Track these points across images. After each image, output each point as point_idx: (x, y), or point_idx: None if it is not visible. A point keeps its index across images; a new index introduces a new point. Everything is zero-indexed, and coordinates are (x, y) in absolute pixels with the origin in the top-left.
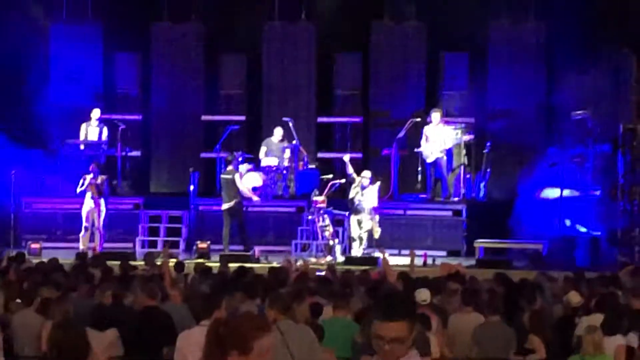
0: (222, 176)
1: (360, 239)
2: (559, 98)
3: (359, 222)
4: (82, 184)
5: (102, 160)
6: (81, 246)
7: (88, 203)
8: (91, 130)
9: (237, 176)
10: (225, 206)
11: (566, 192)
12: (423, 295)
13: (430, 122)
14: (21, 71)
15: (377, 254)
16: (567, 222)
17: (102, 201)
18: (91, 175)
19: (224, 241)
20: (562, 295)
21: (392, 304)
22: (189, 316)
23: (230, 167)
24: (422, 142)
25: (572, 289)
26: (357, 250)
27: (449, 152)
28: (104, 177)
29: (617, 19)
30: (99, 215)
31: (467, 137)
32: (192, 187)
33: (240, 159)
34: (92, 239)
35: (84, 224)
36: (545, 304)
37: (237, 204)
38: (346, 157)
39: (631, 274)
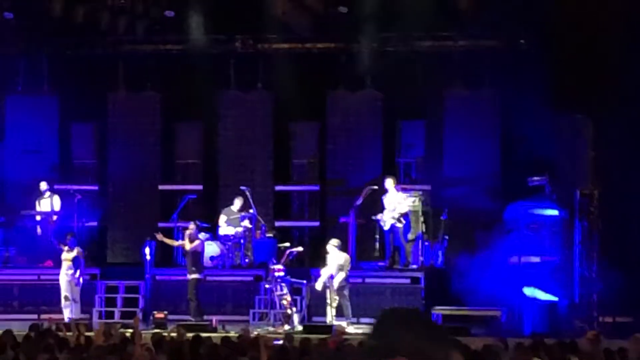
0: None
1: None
2: (516, 164)
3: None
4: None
5: (53, 231)
6: (65, 316)
7: (63, 274)
8: (43, 202)
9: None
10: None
11: (534, 259)
12: None
13: (386, 189)
14: None
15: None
16: (526, 290)
17: (77, 272)
18: (66, 247)
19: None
20: None
21: None
22: None
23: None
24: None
25: (531, 355)
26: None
27: (407, 219)
28: (79, 248)
29: (572, 84)
30: (77, 285)
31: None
32: (148, 257)
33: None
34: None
35: (63, 293)
36: None
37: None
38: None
39: (592, 340)
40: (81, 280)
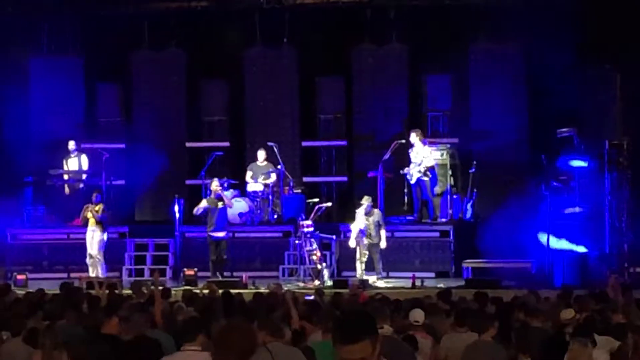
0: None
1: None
2: (543, 116)
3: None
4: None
5: (81, 190)
6: (90, 274)
7: (89, 232)
8: (70, 162)
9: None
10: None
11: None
12: (416, 315)
13: (412, 143)
14: (2, 104)
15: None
16: (556, 241)
17: (103, 229)
18: (92, 204)
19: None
20: (551, 314)
21: (350, 325)
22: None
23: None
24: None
25: (562, 307)
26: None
27: (433, 173)
28: (102, 205)
29: (598, 35)
30: (101, 243)
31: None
32: (177, 215)
33: (225, 185)
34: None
35: (88, 251)
36: (535, 323)
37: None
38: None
39: (613, 287)
40: (105, 237)
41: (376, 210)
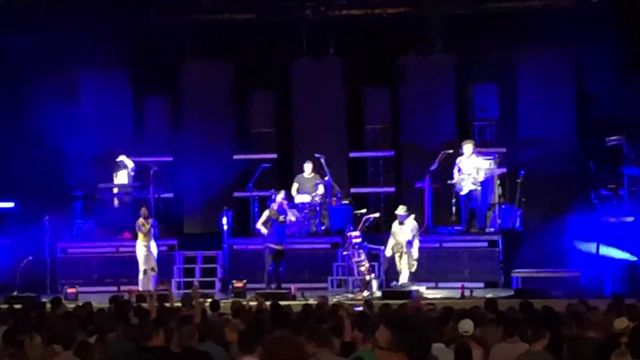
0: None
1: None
2: (592, 124)
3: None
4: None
5: (130, 203)
6: (140, 288)
7: (139, 246)
8: (120, 175)
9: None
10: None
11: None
12: (466, 326)
13: (463, 153)
14: (52, 118)
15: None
16: (605, 249)
17: (152, 244)
18: (141, 220)
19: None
20: (603, 324)
21: (425, 340)
22: (226, 355)
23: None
24: (454, 173)
25: (613, 316)
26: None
27: (484, 184)
28: (150, 220)
29: None
30: (151, 258)
31: (498, 171)
32: (225, 227)
33: (272, 196)
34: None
35: (140, 267)
36: (586, 332)
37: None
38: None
39: None
40: (155, 251)
41: (410, 220)
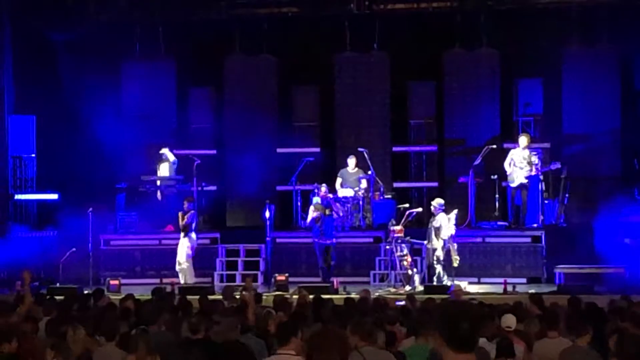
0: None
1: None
2: (636, 120)
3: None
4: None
5: (172, 196)
6: (181, 280)
7: (181, 239)
8: (162, 167)
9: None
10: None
11: None
12: (508, 321)
13: (517, 146)
14: (95, 109)
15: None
16: None
17: (191, 235)
18: (180, 213)
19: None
20: None
21: (470, 333)
22: (266, 348)
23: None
24: (506, 165)
25: None
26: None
27: (534, 180)
28: (191, 212)
29: None
30: (190, 250)
31: (554, 166)
32: (268, 220)
33: (315, 190)
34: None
35: (177, 258)
36: (630, 328)
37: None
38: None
39: None
40: (190, 245)
41: (441, 216)
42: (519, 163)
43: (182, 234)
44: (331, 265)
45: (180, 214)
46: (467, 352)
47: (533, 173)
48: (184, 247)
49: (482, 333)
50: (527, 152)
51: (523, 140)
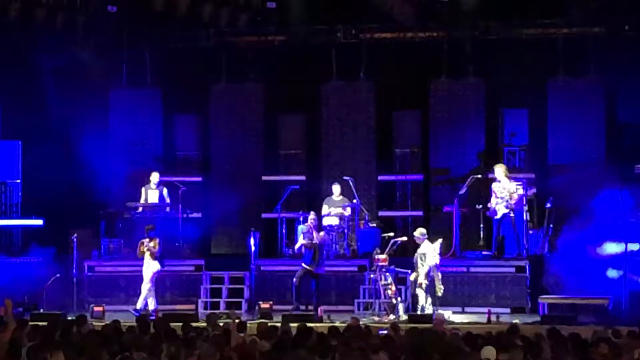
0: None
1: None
2: (621, 152)
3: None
4: (139, 248)
5: (158, 223)
6: (150, 307)
7: (146, 265)
8: (151, 193)
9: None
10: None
11: (633, 246)
12: (488, 353)
13: (495, 178)
14: (81, 135)
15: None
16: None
17: (156, 263)
18: (147, 239)
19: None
20: (629, 351)
21: None
22: None
23: None
24: (492, 199)
25: (636, 344)
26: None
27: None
28: (157, 240)
29: None
30: (152, 275)
31: (530, 192)
32: (253, 248)
33: (300, 218)
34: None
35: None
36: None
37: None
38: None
39: None
40: (157, 269)
41: (425, 244)
42: (500, 194)
43: (149, 260)
44: (314, 294)
45: (145, 240)
46: None
47: (513, 202)
48: (149, 270)
49: None
50: (506, 181)
51: (499, 171)
